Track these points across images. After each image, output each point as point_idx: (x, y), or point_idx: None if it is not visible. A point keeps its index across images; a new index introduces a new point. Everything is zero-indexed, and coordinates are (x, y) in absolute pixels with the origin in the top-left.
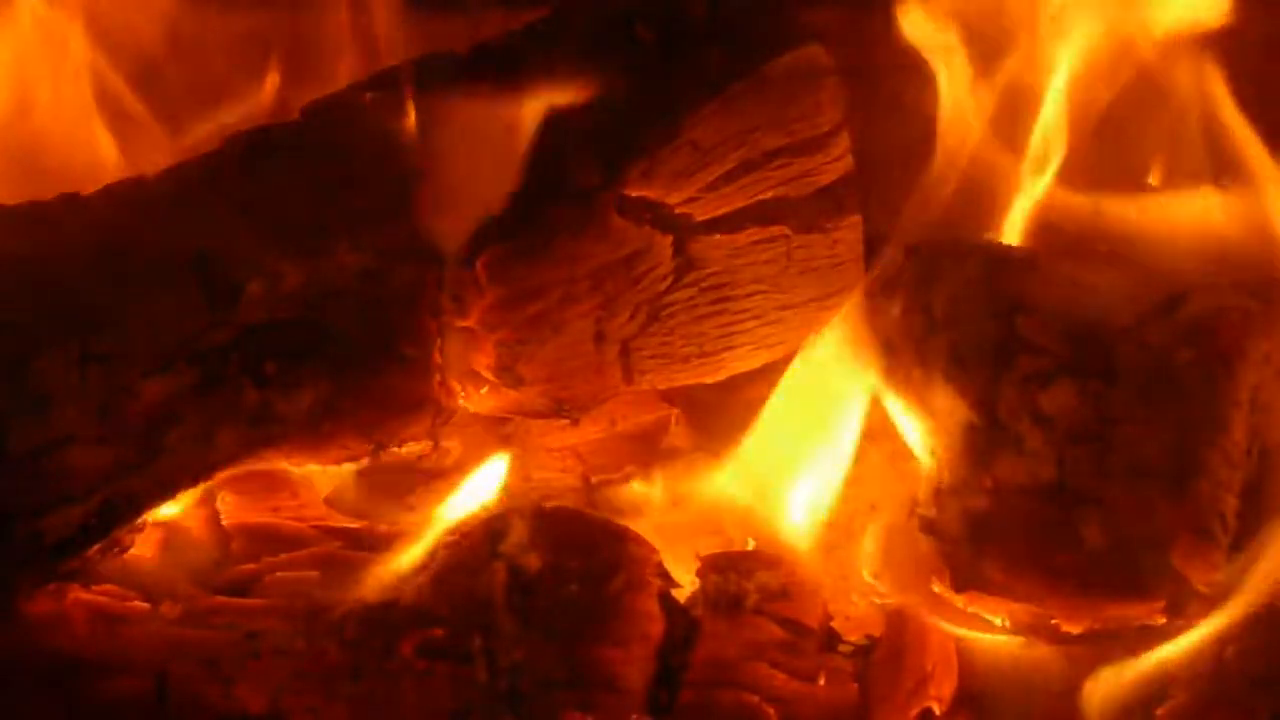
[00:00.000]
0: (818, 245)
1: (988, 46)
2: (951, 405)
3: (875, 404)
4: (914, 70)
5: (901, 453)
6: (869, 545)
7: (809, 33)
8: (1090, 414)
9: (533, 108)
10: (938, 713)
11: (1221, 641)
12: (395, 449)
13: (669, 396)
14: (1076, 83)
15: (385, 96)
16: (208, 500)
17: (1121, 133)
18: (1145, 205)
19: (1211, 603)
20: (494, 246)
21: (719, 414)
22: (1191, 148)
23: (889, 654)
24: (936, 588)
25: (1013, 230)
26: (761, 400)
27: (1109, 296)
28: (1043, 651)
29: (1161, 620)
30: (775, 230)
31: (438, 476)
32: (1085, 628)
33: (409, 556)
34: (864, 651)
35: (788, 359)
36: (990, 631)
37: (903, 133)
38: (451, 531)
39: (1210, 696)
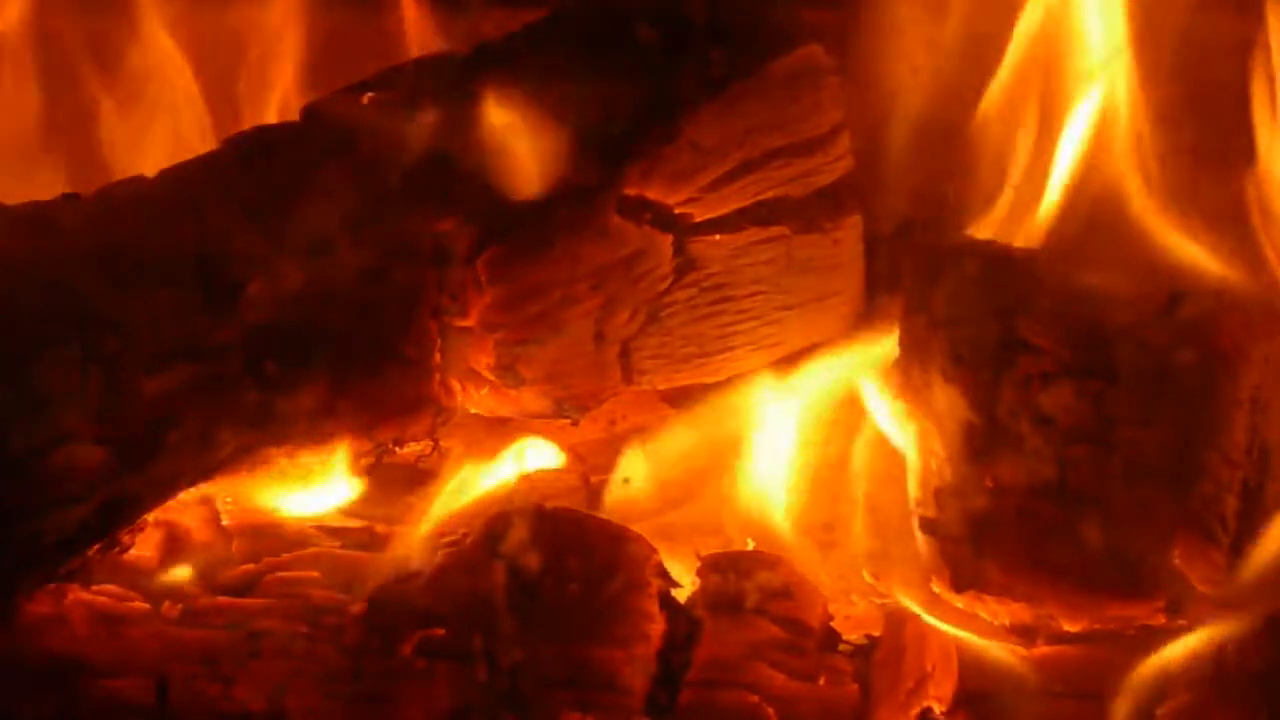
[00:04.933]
0: (818, 245)
1: None
2: (951, 405)
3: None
4: (917, 69)
5: (901, 453)
6: (869, 545)
7: (809, 33)
8: (1090, 414)
9: (533, 108)
10: (938, 713)
11: (1221, 641)
12: (395, 449)
13: (669, 396)
14: None
15: (385, 96)
16: (208, 500)
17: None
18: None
19: (1212, 603)
20: (494, 246)
21: (719, 414)
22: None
23: (889, 654)
24: (936, 588)
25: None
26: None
27: (1109, 296)
28: (1043, 651)
29: (1161, 620)
30: (775, 230)
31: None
32: (1085, 628)
33: (409, 556)
34: (864, 651)
35: (788, 359)
36: (990, 631)
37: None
38: (451, 531)
39: (1210, 696)
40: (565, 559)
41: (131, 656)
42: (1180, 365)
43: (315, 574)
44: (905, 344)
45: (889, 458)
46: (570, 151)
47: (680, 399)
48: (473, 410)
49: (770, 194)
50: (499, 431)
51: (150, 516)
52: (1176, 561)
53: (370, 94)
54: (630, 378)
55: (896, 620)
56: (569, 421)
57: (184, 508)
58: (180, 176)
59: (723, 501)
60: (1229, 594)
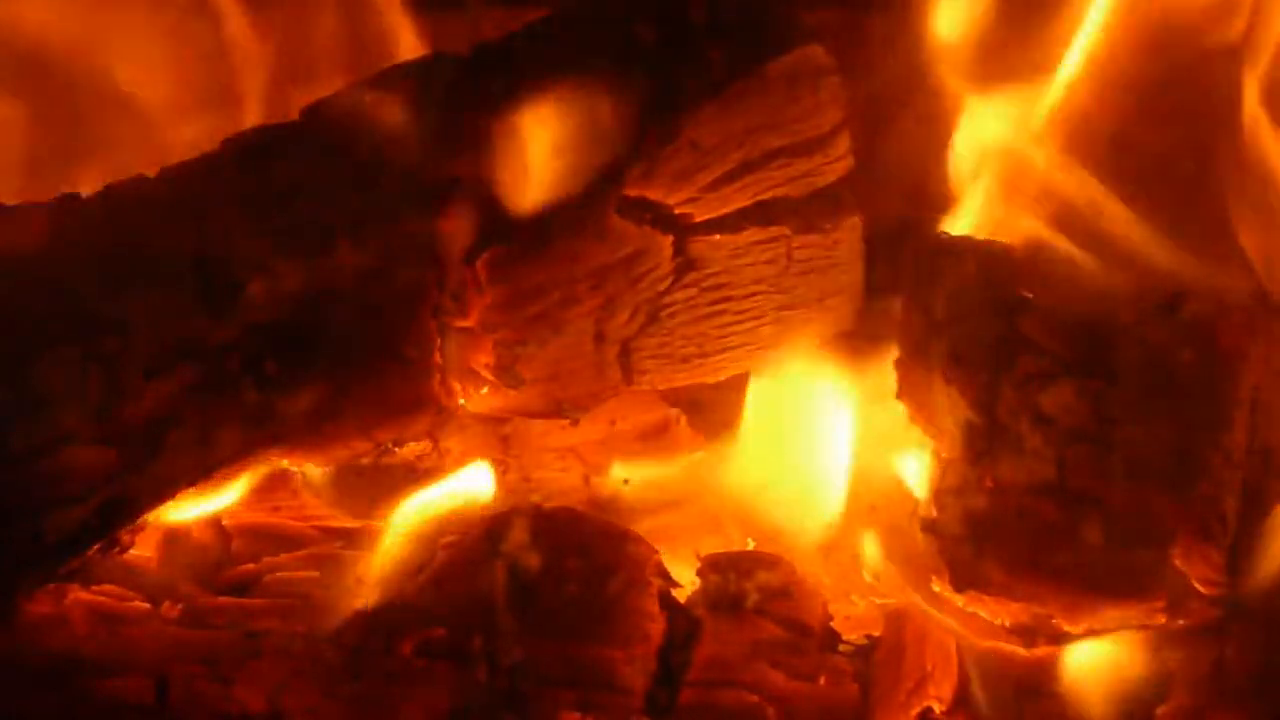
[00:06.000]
0: (818, 245)
1: None
2: (951, 405)
3: (874, 404)
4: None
5: (901, 452)
6: (869, 545)
7: (809, 33)
8: (1090, 414)
9: (532, 108)
10: (938, 712)
11: (1221, 641)
12: (395, 449)
13: (669, 397)
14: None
15: (385, 96)
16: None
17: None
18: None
19: (1211, 603)
20: (494, 246)
21: (719, 414)
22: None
23: (889, 654)
24: (936, 588)
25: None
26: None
27: (1109, 296)
28: (1043, 651)
29: (1161, 620)
30: (775, 230)
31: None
32: (1085, 628)
33: (409, 556)
34: (864, 651)
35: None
36: (990, 631)
37: (904, 132)
38: (451, 531)
39: (1210, 696)
40: (565, 559)
41: (131, 656)
42: (1180, 365)
43: (315, 574)
44: (905, 344)
45: (889, 458)
46: (570, 151)
47: (680, 399)
48: (473, 410)
49: (770, 194)
50: (499, 431)
51: (150, 516)
52: (1176, 561)
53: (370, 94)
54: (630, 378)
55: (896, 620)
56: (569, 421)
57: (184, 508)
58: (180, 176)
59: (723, 501)
60: (1229, 594)
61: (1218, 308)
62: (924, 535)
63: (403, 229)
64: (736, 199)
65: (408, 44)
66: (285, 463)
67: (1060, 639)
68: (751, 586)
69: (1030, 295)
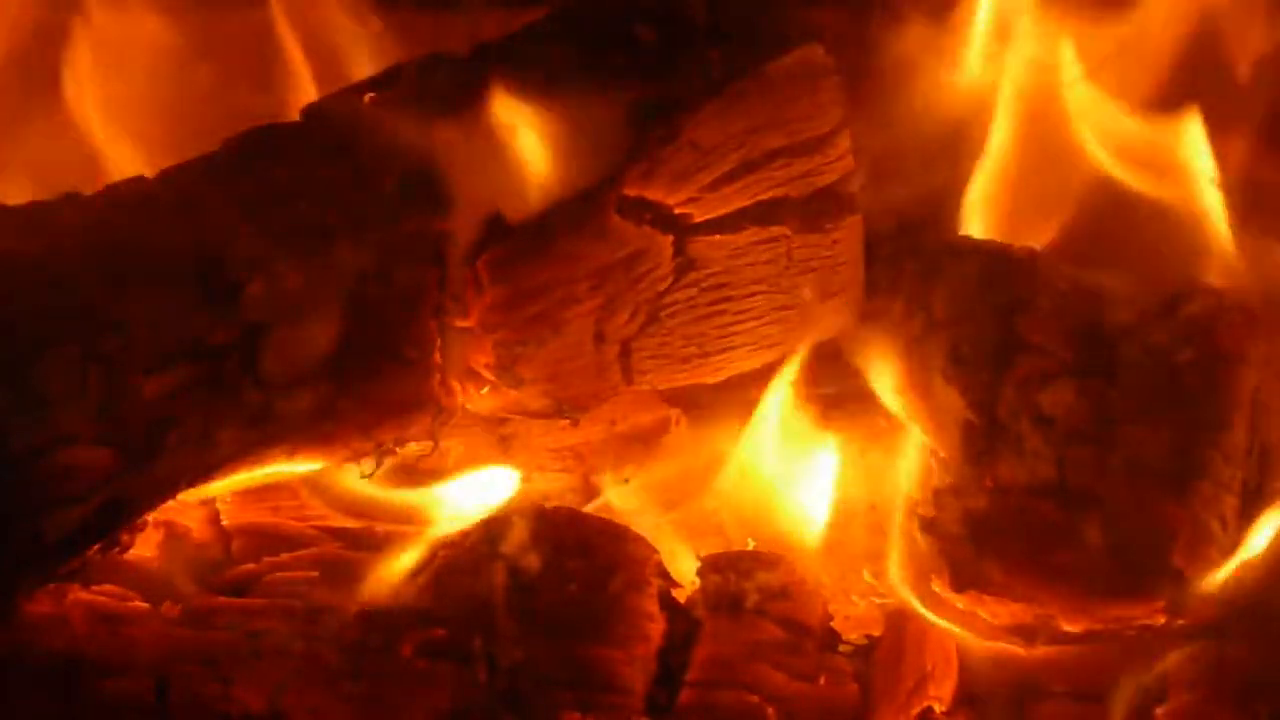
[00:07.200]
0: (818, 245)
1: None
2: (951, 405)
3: (874, 403)
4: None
5: (902, 453)
6: (869, 545)
7: (809, 33)
8: (1090, 414)
9: (533, 108)
10: (938, 712)
11: (1221, 641)
12: (395, 449)
13: (669, 397)
14: None
15: (385, 96)
16: (208, 500)
17: None
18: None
19: (1212, 602)
20: (495, 246)
21: (719, 414)
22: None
23: (889, 654)
24: (936, 588)
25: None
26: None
27: (1110, 296)
28: (1043, 651)
29: (1161, 620)
30: (775, 230)
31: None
32: (1085, 628)
33: (409, 556)
34: (864, 651)
35: (788, 359)
36: (990, 631)
37: (905, 132)
38: (451, 532)
39: (1210, 696)
40: (565, 559)
41: (131, 656)
42: (1181, 365)
43: (315, 574)
44: (905, 344)
45: (889, 457)
46: (570, 151)
47: (680, 399)
48: (473, 410)
49: (770, 194)
50: (499, 431)
51: (150, 516)
52: (1176, 561)
53: (370, 94)
54: (630, 378)
55: (896, 620)
56: (569, 421)
57: (184, 508)
58: (180, 176)
59: (723, 502)
60: (1229, 594)
61: (1218, 308)
62: (924, 536)
63: (403, 229)
64: (736, 199)
65: (408, 44)
66: (286, 463)
67: (1060, 639)
68: (751, 586)
69: (1030, 295)
